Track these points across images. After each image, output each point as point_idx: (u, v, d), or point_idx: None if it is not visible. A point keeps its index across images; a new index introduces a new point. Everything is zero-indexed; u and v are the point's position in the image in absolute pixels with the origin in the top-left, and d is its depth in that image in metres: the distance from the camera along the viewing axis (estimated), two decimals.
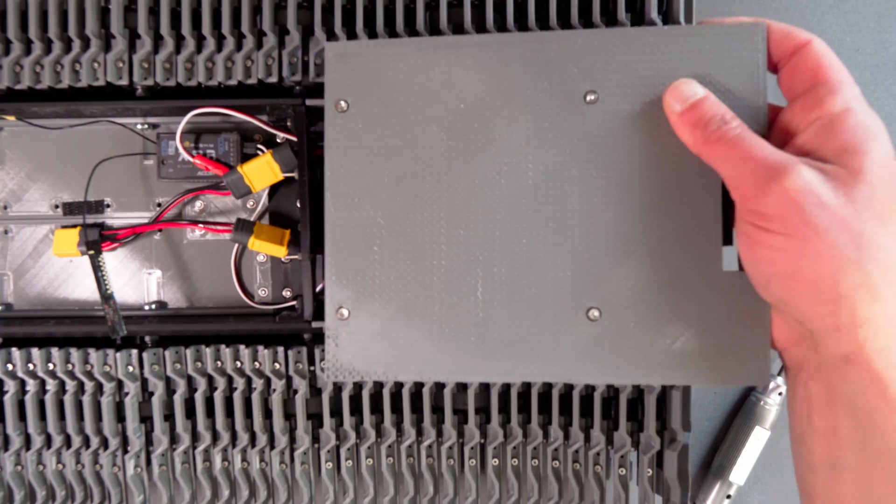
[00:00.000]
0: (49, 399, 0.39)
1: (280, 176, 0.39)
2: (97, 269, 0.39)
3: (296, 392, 0.39)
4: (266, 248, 0.39)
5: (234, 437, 0.40)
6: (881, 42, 0.47)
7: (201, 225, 0.41)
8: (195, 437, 0.40)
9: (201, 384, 0.39)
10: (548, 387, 0.39)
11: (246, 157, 0.39)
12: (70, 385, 0.39)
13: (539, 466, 0.39)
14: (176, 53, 0.38)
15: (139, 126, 0.41)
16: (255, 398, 0.39)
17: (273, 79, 0.37)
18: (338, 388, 0.39)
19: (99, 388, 0.39)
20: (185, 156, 0.39)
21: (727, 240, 0.32)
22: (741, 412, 0.48)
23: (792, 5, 0.47)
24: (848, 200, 0.26)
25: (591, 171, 0.32)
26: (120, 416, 0.40)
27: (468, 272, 0.33)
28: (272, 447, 0.40)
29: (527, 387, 0.39)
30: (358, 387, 0.39)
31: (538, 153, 0.33)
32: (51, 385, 0.39)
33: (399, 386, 0.39)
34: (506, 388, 0.39)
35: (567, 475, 0.39)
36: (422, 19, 0.37)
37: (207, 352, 0.39)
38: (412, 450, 0.40)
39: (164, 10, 0.37)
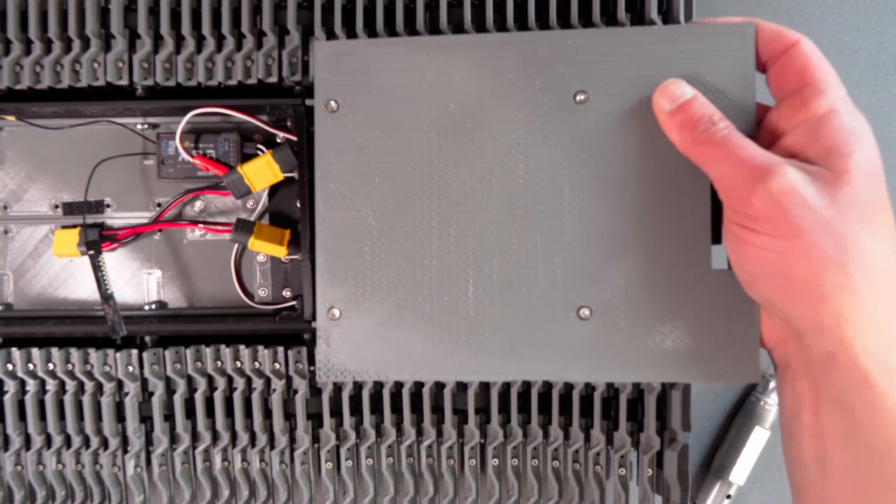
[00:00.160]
0: (49, 399, 0.39)
1: (280, 176, 0.39)
2: (97, 269, 0.39)
3: (296, 392, 0.39)
4: (266, 248, 0.39)
5: (234, 437, 0.40)
6: (881, 42, 0.47)
7: (201, 225, 0.41)
8: (195, 437, 0.40)
9: (201, 384, 0.39)
10: (548, 387, 0.39)
11: (246, 157, 0.39)
12: (70, 385, 0.39)
13: (539, 466, 0.39)
14: (176, 53, 0.38)
15: (139, 126, 0.41)
16: (255, 398, 0.39)
17: (273, 79, 0.37)
18: (338, 388, 0.39)
19: (99, 388, 0.39)
20: (185, 156, 0.39)
21: (717, 238, 0.32)
22: (741, 412, 0.48)
23: (792, 5, 0.47)
24: (832, 202, 0.26)
25: (582, 171, 0.32)
26: (120, 416, 0.40)
27: (459, 272, 0.33)
28: (272, 447, 0.40)
29: (527, 387, 0.39)
30: (358, 387, 0.39)
31: (529, 153, 0.33)
32: (51, 385, 0.39)
33: (399, 386, 0.39)
34: (506, 387, 0.39)
35: (567, 475, 0.39)
36: (422, 19, 0.37)
37: (207, 352, 0.39)
38: (412, 450, 0.40)
39: (164, 10, 0.37)
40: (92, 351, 0.39)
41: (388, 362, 0.34)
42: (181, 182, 0.41)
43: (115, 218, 0.42)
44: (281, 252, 0.39)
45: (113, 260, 0.42)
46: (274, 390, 0.39)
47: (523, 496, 0.40)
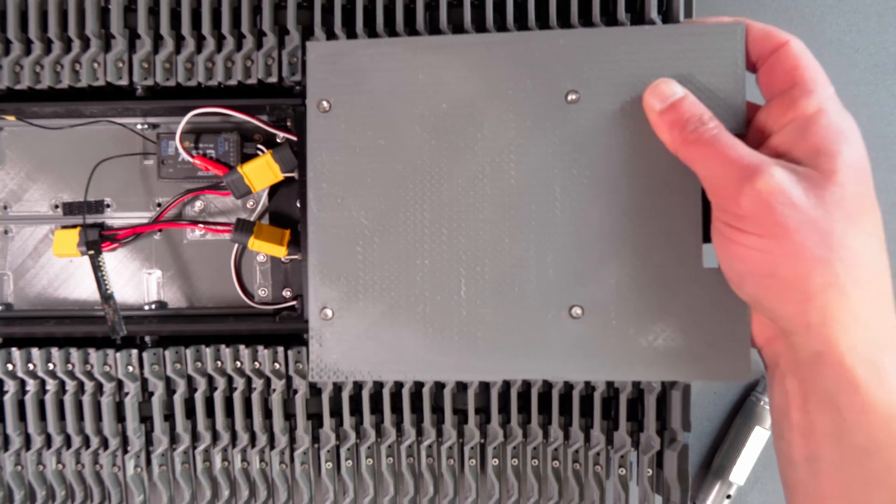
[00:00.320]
0: (49, 399, 0.39)
1: (280, 176, 0.39)
2: (97, 269, 0.39)
3: (296, 392, 0.39)
4: (266, 248, 0.39)
5: (234, 437, 0.40)
6: (881, 42, 0.47)
7: (201, 225, 0.41)
8: (195, 437, 0.40)
9: (201, 384, 0.39)
10: (548, 387, 0.39)
11: (246, 157, 0.39)
12: (70, 385, 0.39)
13: (539, 466, 0.39)
14: (176, 53, 0.38)
15: (139, 126, 0.41)
16: (255, 398, 0.39)
17: (273, 79, 0.37)
18: (338, 388, 0.39)
19: (99, 388, 0.39)
20: (185, 156, 0.39)
21: (708, 237, 0.32)
22: (741, 412, 0.48)
23: (792, 5, 0.47)
24: (819, 202, 0.26)
25: (574, 171, 0.32)
26: (120, 416, 0.40)
27: (452, 271, 0.33)
28: (272, 447, 0.40)
29: (527, 387, 0.39)
30: (358, 387, 0.39)
31: (521, 153, 0.33)
32: (51, 385, 0.39)
33: (399, 386, 0.39)
34: (506, 387, 0.39)
35: (567, 475, 0.39)
36: (421, 19, 0.37)
37: (207, 352, 0.39)
38: (412, 450, 0.40)
39: (164, 10, 0.37)
40: (92, 351, 0.39)
41: (381, 362, 0.34)
42: (181, 182, 0.41)
43: (115, 218, 0.42)
44: (281, 252, 0.39)
45: (113, 260, 0.42)
46: (274, 390, 0.39)
47: (523, 496, 0.40)
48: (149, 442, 0.40)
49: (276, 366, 0.39)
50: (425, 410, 0.39)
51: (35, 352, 0.39)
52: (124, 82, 0.38)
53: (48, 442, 0.40)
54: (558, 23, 0.37)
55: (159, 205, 0.41)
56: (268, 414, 0.40)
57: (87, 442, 0.40)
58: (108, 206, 0.42)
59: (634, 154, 0.32)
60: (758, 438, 0.46)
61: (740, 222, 0.28)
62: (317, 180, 0.34)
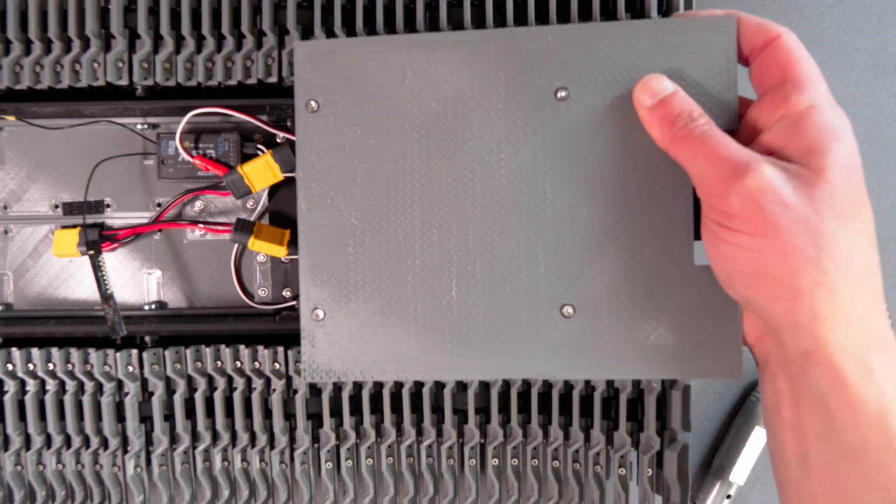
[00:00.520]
0: (49, 399, 0.39)
1: (280, 176, 0.39)
2: (97, 269, 0.39)
3: (296, 392, 0.39)
4: (266, 248, 0.39)
5: (234, 437, 0.40)
6: (881, 42, 0.47)
7: (201, 225, 0.41)
8: (195, 437, 0.40)
9: (201, 384, 0.39)
10: (548, 386, 0.39)
11: (246, 157, 0.39)
12: (70, 385, 0.39)
13: (539, 466, 0.39)
14: (176, 53, 0.38)
15: (139, 126, 0.41)
16: (255, 398, 0.39)
17: (273, 79, 0.37)
18: (338, 388, 0.39)
19: (99, 388, 0.39)
20: (184, 156, 0.39)
21: (699, 234, 0.32)
22: (741, 412, 0.48)
23: (792, 5, 0.47)
24: (809, 200, 0.26)
25: (564, 169, 0.32)
26: (120, 416, 0.40)
27: (443, 271, 0.33)
28: (272, 447, 0.40)
29: (527, 386, 0.39)
30: (358, 387, 0.39)
31: (512, 151, 0.33)
32: (51, 385, 0.39)
33: (399, 386, 0.39)
34: (506, 387, 0.39)
35: (567, 475, 0.39)
36: (421, 19, 0.37)
37: (207, 352, 0.39)
38: (412, 450, 0.40)
39: (163, 10, 0.37)
40: (92, 351, 0.39)
41: (373, 362, 0.34)
42: (181, 182, 0.41)
43: (115, 218, 0.42)
44: (281, 252, 0.39)
45: (113, 260, 0.42)
46: (274, 390, 0.39)
47: (523, 496, 0.40)
48: (149, 442, 0.40)
49: (276, 366, 0.39)
50: (425, 410, 0.39)
51: (35, 352, 0.39)
52: (124, 82, 0.38)
53: (48, 442, 0.40)
54: (558, 22, 0.37)
55: (159, 205, 0.41)
56: (268, 414, 0.40)
57: (87, 442, 0.40)
58: (108, 206, 0.41)
59: (625, 151, 0.32)
60: (758, 438, 0.46)
61: (730, 220, 0.27)
62: (307, 180, 0.34)
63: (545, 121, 0.32)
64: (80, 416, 0.39)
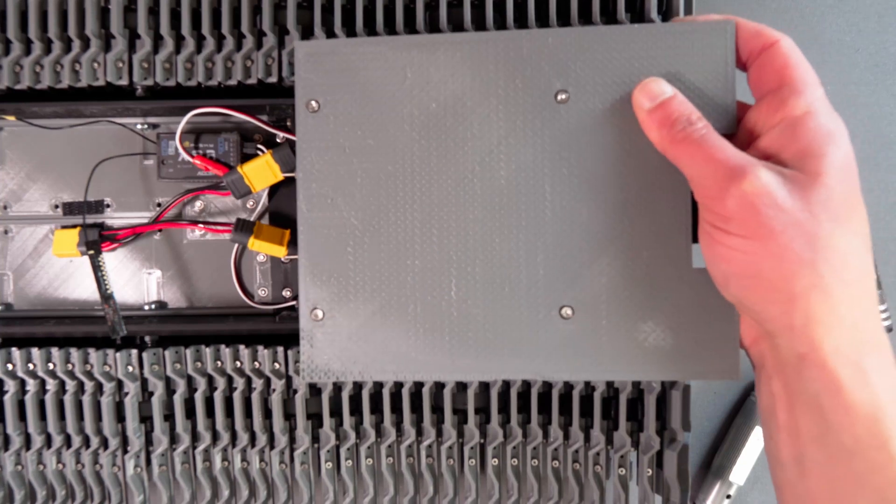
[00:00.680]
0: (49, 399, 0.39)
1: (280, 176, 0.39)
2: (97, 269, 0.39)
3: (295, 392, 0.39)
4: (266, 248, 0.39)
5: (233, 437, 0.40)
6: (881, 42, 0.47)
7: (201, 225, 0.41)
8: (195, 437, 0.40)
9: (201, 384, 0.39)
10: (548, 386, 0.39)
11: (246, 157, 0.39)
12: (70, 385, 0.39)
13: (539, 466, 0.39)
14: (176, 53, 0.38)
15: (139, 126, 0.41)
16: (255, 398, 0.39)
17: (273, 79, 0.37)
18: (337, 387, 0.39)
19: (99, 388, 0.39)
20: (184, 156, 0.39)
21: (697, 237, 0.32)
22: (741, 412, 0.48)
23: (792, 5, 0.47)
24: (804, 204, 0.26)
25: (564, 170, 0.32)
26: (120, 416, 0.40)
27: (442, 271, 0.33)
28: (272, 447, 0.40)
29: (526, 386, 0.39)
30: (358, 386, 0.39)
31: (511, 152, 0.33)
32: (51, 385, 0.39)
33: (399, 386, 0.39)
34: (505, 387, 0.39)
35: (567, 475, 0.39)
36: (421, 19, 0.37)
37: (207, 352, 0.39)
38: (412, 450, 0.40)
39: (163, 10, 0.37)
40: (92, 351, 0.39)
41: (372, 362, 0.34)
42: (181, 182, 0.41)
43: (115, 218, 0.42)
44: (281, 252, 0.39)
45: (113, 260, 0.42)
46: (274, 390, 0.39)
47: (523, 496, 0.40)
48: (149, 442, 0.40)
49: (276, 366, 0.39)
50: (425, 410, 0.39)
51: (35, 352, 0.39)
52: (124, 82, 0.38)
53: (48, 442, 0.40)
54: (558, 23, 0.37)
55: (159, 205, 0.41)
56: (268, 414, 0.40)
57: (87, 442, 0.40)
58: (108, 206, 0.42)
59: (624, 153, 0.32)
60: (757, 438, 0.46)
61: (726, 223, 0.28)
62: (307, 181, 0.34)
63: (545, 122, 0.32)
64: (80, 416, 0.39)
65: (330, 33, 0.37)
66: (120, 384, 0.39)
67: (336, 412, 0.39)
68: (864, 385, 0.26)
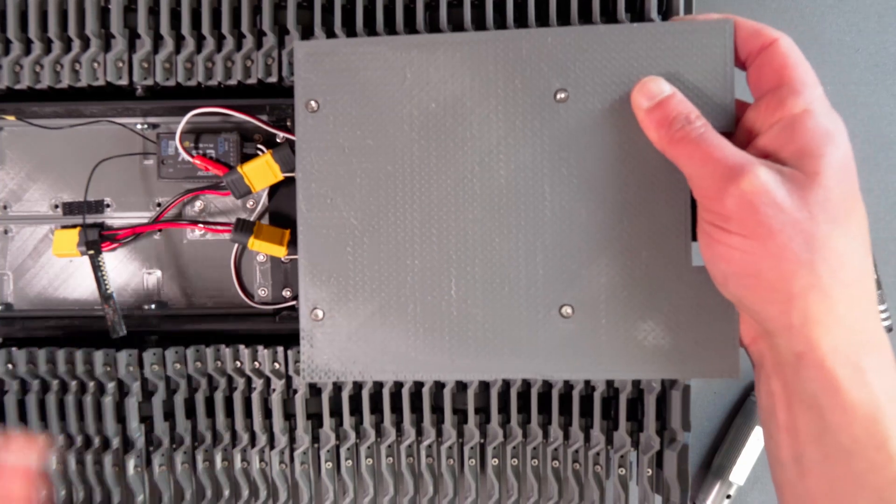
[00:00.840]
0: (50, 399, 0.39)
1: (280, 176, 0.39)
2: (97, 269, 0.39)
3: (295, 392, 0.39)
4: (266, 248, 0.39)
5: (234, 437, 0.40)
6: (881, 42, 0.47)
7: (201, 225, 0.41)
8: (195, 436, 0.40)
9: (201, 384, 0.39)
10: (548, 386, 0.39)
11: (246, 157, 0.39)
12: (71, 385, 0.39)
13: (539, 466, 0.39)
14: (176, 53, 0.38)
15: (139, 126, 0.41)
16: (255, 398, 0.39)
17: (273, 79, 0.37)
18: (337, 387, 0.39)
19: (99, 387, 0.39)
20: (184, 156, 0.39)
21: (696, 236, 0.32)
22: (741, 412, 0.48)
23: (792, 5, 0.47)
24: (803, 203, 0.26)
25: (563, 170, 0.32)
26: (120, 416, 0.40)
27: (442, 271, 0.33)
28: (272, 447, 0.40)
29: (526, 386, 0.39)
30: (358, 386, 0.39)
31: (511, 152, 0.33)
32: (51, 385, 0.39)
33: (399, 386, 0.39)
34: (505, 387, 0.39)
35: (567, 475, 0.39)
36: (421, 19, 0.37)
37: (208, 352, 0.39)
38: (412, 450, 0.40)
39: (163, 10, 0.37)
40: (92, 351, 0.39)
41: (372, 362, 0.34)
42: (181, 182, 0.41)
43: (115, 218, 0.42)
44: (281, 252, 0.39)
45: (113, 260, 0.42)
46: (274, 390, 0.39)
47: (523, 496, 0.40)
48: (149, 442, 0.40)
49: (276, 366, 0.39)
50: (425, 410, 0.39)
51: (36, 351, 0.39)
52: (124, 82, 0.38)
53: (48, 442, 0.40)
54: (558, 22, 0.37)
55: (159, 205, 0.41)
56: (268, 414, 0.40)
57: (87, 442, 0.40)
58: (108, 206, 0.42)
59: (624, 153, 0.32)
60: (758, 438, 0.46)
61: (725, 222, 0.28)
62: (306, 180, 0.34)
63: (544, 122, 0.33)
64: (80, 416, 0.39)
65: (330, 33, 0.37)
66: (120, 384, 0.39)
67: (336, 412, 0.39)
68: (862, 385, 0.26)
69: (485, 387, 0.39)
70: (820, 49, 0.47)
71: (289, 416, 0.40)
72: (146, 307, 0.42)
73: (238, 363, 0.39)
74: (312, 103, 0.34)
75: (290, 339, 0.40)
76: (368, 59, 0.33)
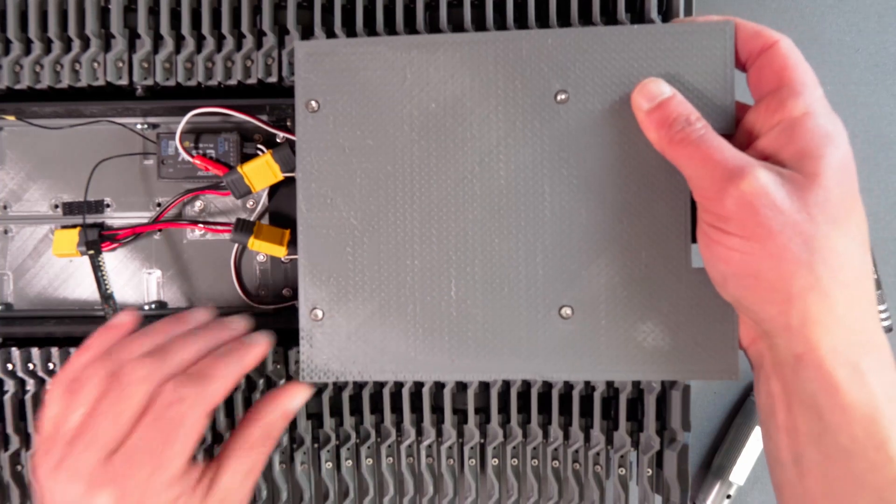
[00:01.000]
0: None
1: (280, 176, 0.39)
2: (97, 269, 0.39)
3: None
4: (266, 248, 0.39)
5: None
6: (881, 42, 0.47)
7: (201, 225, 0.41)
8: None
9: None
10: (548, 386, 0.39)
11: (246, 157, 0.39)
12: None
13: (539, 466, 0.39)
14: (176, 53, 0.38)
15: (139, 126, 0.41)
16: (256, 398, 0.39)
17: (273, 79, 0.37)
18: (338, 388, 0.39)
19: None
20: (184, 156, 0.39)
21: (696, 237, 0.32)
22: (741, 412, 0.48)
23: (792, 5, 0.47)
24: (802, 205, 0.26)
25: (563, 171, 0.33)
26: None
27: (441, 272, 0.33)
28: None
29: (526, 386, 0.39)
30: (358, 387, 0.39)
31: (511, 152, 0.33)
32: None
33: (399, 386, 0.39)
34: (505, 387, 0.39)
35: (567, 475, 0.39)
36: (421, 19, 0.37)
37: None
38: (412, 450, 0.40)
39: (163, 10, 0.37)
40: None
41: (372, 362, 0.34)
42: (181, 182, 0.41)
43: (115, 218, 0.42)
44: (281, 252, 0.39)
45: (113, 260, 0.42)
46: None
47: (523, 496, 0.40)
48: None
49: (276, 366, 0.39)
50: (425, 410, 0.39)
51: (35, 351, 0.39)
52: (124, 82, 0.38)
53: None
54: (558, 23, 0.37)
55: (159, 205, 0.41)
56: None
57: None
58: (108, 206, 0.42)
59: (624, 154, 0.32)
60: (757, 438, 0.46)
61: (724, 223, 0.28)
62: (306, 180, 0.34)
63: (544, 123, 0.33)
64: None
65: (330, 33, 0.37)
66: None
67: (336, 412, 0.39)
68: (861, 385, 0.26)
69: (485, 387, 0.39)
70: (820, 49, 0.47)
71: None
72: (146, 307, 0.42)
73: None
74: (312, 103, 0.34)
75: (291, 339, 0.40)
76: (368, 59, 0.33)
